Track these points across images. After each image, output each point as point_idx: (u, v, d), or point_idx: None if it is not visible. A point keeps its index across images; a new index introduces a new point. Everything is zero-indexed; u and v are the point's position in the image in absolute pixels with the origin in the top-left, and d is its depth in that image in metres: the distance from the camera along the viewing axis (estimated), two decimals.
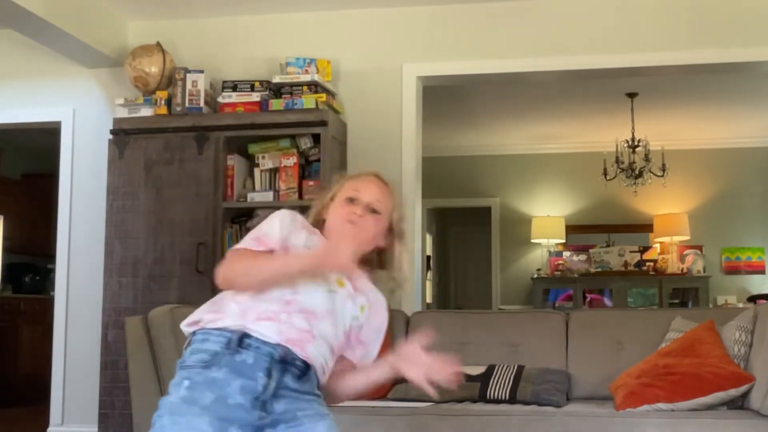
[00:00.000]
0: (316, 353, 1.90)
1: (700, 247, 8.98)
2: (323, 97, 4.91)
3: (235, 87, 5.01)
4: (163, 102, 5.03)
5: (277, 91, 5.00)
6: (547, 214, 9.38)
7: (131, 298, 4.84)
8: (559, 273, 9.07)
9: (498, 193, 9.62)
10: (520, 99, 7.67)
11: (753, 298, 8.07)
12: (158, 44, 5.17)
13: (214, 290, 2.02)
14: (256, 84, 4.99)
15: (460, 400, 3.71)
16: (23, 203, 8.87)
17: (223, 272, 1.94)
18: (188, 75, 5.04)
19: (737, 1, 4.99)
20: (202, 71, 5.05)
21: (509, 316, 4.78)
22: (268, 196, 4.87)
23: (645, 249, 9.08)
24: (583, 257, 9.14)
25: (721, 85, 7.13)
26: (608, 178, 7.92)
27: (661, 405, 3.32)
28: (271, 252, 1.97)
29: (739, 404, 3.37)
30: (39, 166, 8.85)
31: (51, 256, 5.90)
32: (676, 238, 8.92)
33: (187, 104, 5.00)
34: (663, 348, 3.65)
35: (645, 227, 9.18)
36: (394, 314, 4.14)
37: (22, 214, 8.80)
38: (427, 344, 2.04)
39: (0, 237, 8.52)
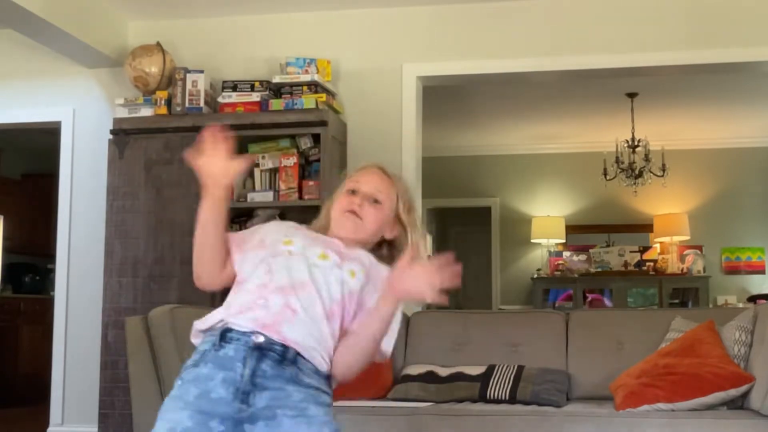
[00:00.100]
0: (298, 333, 1.84)
1: (700, 247, 8.98)
2: (323, 97, 4.91)
3: (235, 87, 5.01)
4: (163, 102, 5.03)
5: (277, 91, 5.01)
6: (547, 214, 9.38)
7: (131, 298, 4.84)
8: (559, 273, 9.07)
9: (498, 193, 9.62)
10: (520, 99, 7.67)
11: (753, 298, 8.07)
12: (158, 44, 5.17)
13: (213, 291, 2.02)
14: (256, 84, 4.99)
15: (460, 400, 3.71)
16: (23, 203, 8.87)
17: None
18: (188, 75, 5.04)
19: (737, 1, 4.99)
20: (202, 71, 5.05)
21: (509, 316, 4.78)
22: (268, 196, 4.87)
23: (645, 249, 9.08)
24: (583, 257, 9.14)
25: (721, 85, 7.13)
26: (608, 178, 7.93)
27: (661, 405, 3.32)
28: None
29: (739, 404, 3.37)
30: (39, 166, 8.85)
31: (51, 256, 5.90)
32: (676, 238, 8.92)
33: (187, 104, 5.00)
34: (663, 348, 3.65)
35: (645, 227, 9.18)
36: None
37: (22, 214, 8.81)
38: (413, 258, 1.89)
39: (0, 237, 8.52)
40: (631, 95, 7.41)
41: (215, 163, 1.91)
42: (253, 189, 4.93)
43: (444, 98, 7.17)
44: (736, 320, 3.61)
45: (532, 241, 9.37)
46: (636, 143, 7.74)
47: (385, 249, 2.10)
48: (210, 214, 1.94)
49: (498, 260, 9.57)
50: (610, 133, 8.04)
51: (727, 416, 3.26)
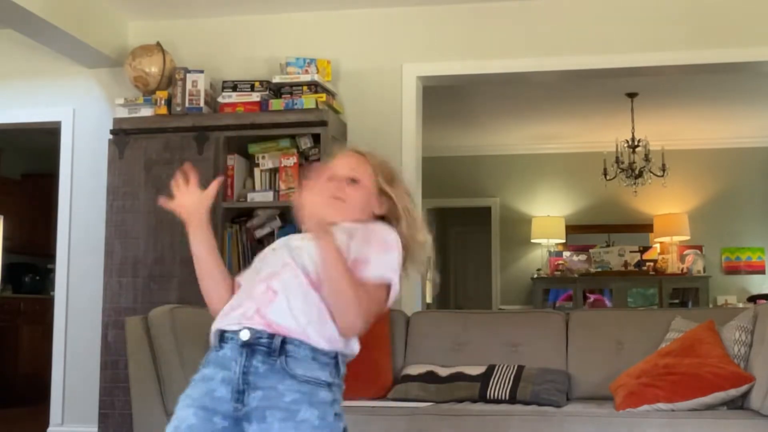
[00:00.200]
0: (283, 313, 1.84)
1: (700, 247, 8.98)
2: (323, 97, 4.91)
3: (235, 87, 5.01)
4: (163, 102, 5.03)
5: (277, 91, 5.01)
6: (547, 214, 9.38)
7: (131, 298, 4.84)
8: (559, 273, 9.07)
9: (498, 193, 9.62)
10: (520, 99, 7.67)
11: (753, 298, 8.07)
12: (158, 44, 5.17)
13: None
14: (256, 84, 4.99)
15: (460, 400, 3.72)
16: (23, 203, 8.87)
17: None
18: (188, 75, 5.04)
19: (737, 1, 4.99)
20: (202, 71, 5.05)
21: (509, 316, 4.78)
22: (268, 196, 4.87)
23: (645, 249, 9.08)
24: (583, 257, 9.14)
25: (721, 85, 7.13)
26: (608, 178, 7.93)
27: (661, 405, 3.32)
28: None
29: (739, 404, 3.37)
30: (39, 166, 8.85)
31: (51, 256, 5.90)
32: (676, 238, 8.92)
33: (187, 104, 5.00)
34: (663, 348, 3.65)
35: (645, 227, 9.18)
36: (394, 314, 4.16)
37: (22, 214, 8.81)
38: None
39: (0, 237, 8.52)
40: (631, 95, 7.41)
41: (187, 199, 2.08)
42: (253, 189, 4.93)
43: (444, 98, 7.17)
44: (736, 320, 3.61)
45: (532, 241, 9.38)
46: (636, 143, 7.74)
47: None
48: (198, 246, 2.06)
49: (498, 260, 9.57)
50: (610, 133, 8.04)
51: (727, 416, 3.26)
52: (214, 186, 2.09)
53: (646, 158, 7.80)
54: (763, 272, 8.96)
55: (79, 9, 5.02)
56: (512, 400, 3.65)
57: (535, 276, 9.19)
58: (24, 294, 8.66)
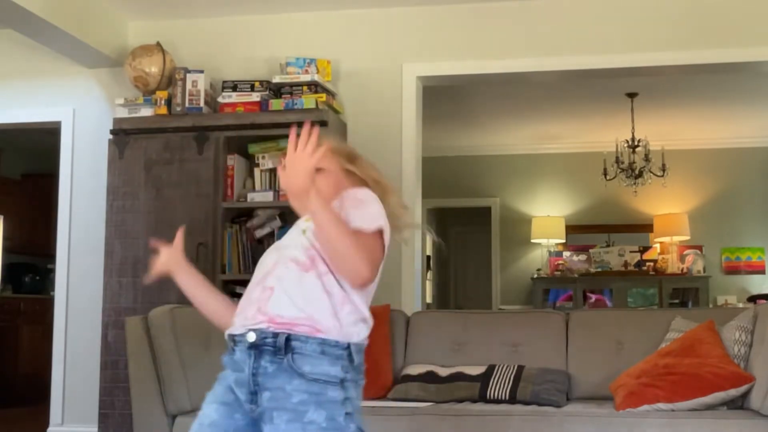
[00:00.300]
0: (282, 305, 1.87)
1: (700, 247, 8.98)
2: (323, 97, 4.91)
3: (235, 87, 5.01)
4: (163, 102, 5.03)
5: (277, 91, 5.01)
6: (547, 214, 9.38)
7: (131, 298, 4.84)
8: (559, 273, 9.07)
9: (498, 193, 9.62)
10: (520, 99, 7.67)
11: (753, 298, 8.07)
12: (158, 44, 5.17)
13: None
14: (256, 84, 4.99)
15: (460, 400, 3.71)
16: (23, 203, 8.87)
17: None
18: (188, 75, 5.04)
19: (737, 1, 4.99)
20: (202, 71, 5.05)
21: (509, 316, 4.77)
22: (268, 196, 4.87)
23: (645, 249, 9.08)
24: (583, 257, 9.14)
25: (721, 85, 7.13)
26: (608, 178, 7.93)
27: (661, 405, 3.32)
28: None
29: (739, 404, 3.37)
30: (39, 166, 8.85)
31: (51, 256, 5.90)
32: (676, 238, 8.92)
33: (187, 104, 5.00)
34: (663, 348, 3.65)
35: (645, 227, 9.18)
36: (394, 314, 4.16)
37: (22, 214, 8.81)
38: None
39: (0, 237, 8.52)
40: (631, 95, 7.41)
41: (161, 258, 2.24)
42: (253, 189, 4.93)
43: (444, 98, 7.17)
44: (736, 320, 3.61)
45: (532, 241, 9.38)
46: (636, 143, 7.74)
47: None
48: (187, 288, 2.19)
49: (498, 260, 9.57)
50: (610, 133, 8.05)
51: (727, 416, 3.25)
52: (180, 233, 2.27)
53: (646, 158, 7.80)
54: (763, 272, 8.96)
55: (79, 9, 5.02)
56: (512, 400, 3.65)
57: (535, 276, 9.19)
58: (24, 294, 8.66)
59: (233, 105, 4.98)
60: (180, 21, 5.49)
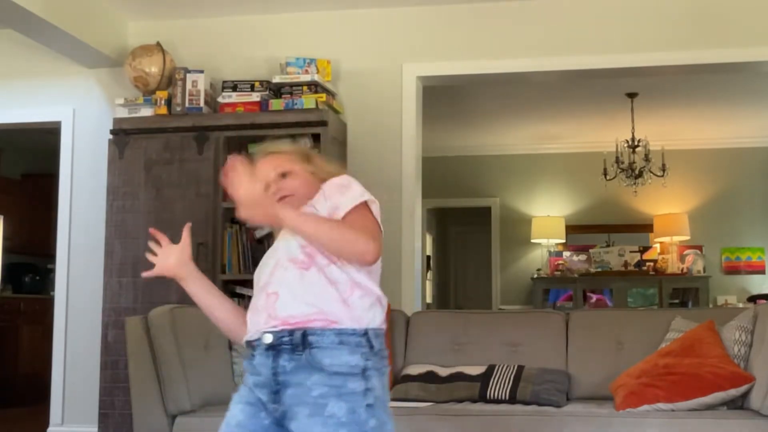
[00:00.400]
0: (290, 306, 1.88)
1: (700, 247, 8.98)
2: (323, 97, 4.91)
3: (235, 87, 5.01)
4: (163, 102, 5.03)
5: (277, 91, 5.01)
6: (547, 214, 9.38)
7: (131, 298, 4.84)
8: (559, 273, 9.07)
9: (498, 193, 9.62)
10: (520, 99, 7.67)
11: (753, 298, 8.07)
12: (158, 44, 5.17)
13: None
14: (256, 84, 4.99)
15: (460, 400, 3.71)
16: (23, 203, 8.87)
17: None
18: (188, 75, 5.04)
19: (737, 1, 4.99)
20: (202, 71, 5.05)
21: (509, 316, 4.78)
22: None
23: (645, 249, 9.08)
24: (583, 257, 9.14)
25: (721, 85, 7.13)
26: (608, 178, 7.93)
27: (661, 405, 3.32)
28: None
29: (739, 404, 3.37)
30: (39, 166, 8.85)
31: (51, 256, 5.90)
32: (676, 238, 8.92)
33: (187, 104, 5.00)
34: (663, 348, 3.65)
35: (645, 227, 9.18)
36: (394, 314, 4.16)
37: (22, 214, 8.80)
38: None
39: (0, 237, 8.52)
40: (631, 95, 7.41)
41: (168, 260, 2.14)
42: None
43: (444, 98, 7.17)
44: (736, 320, 3.61)
45: (532, 241, 9.38)
46: (636, 143, 7.74)
47: None
48: (197, 295, 2.13)
49: (498, 260, 9.57)
50: (610, 133, 8.04)
51: (727, 416, 3.26)
52: (186, 233, 2.16)
53: (646, 158, 7.80)
54: (763, 272, 8.96)
55: (79, 9, 5.02)
56: (512, 400, 3.65)
57: (535, 276, 9.19)
58: (24, 294, 8.66)
59: (233, 105, 4.98)
60: (180, 21, 5.49)
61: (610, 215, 9.24)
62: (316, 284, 1.89)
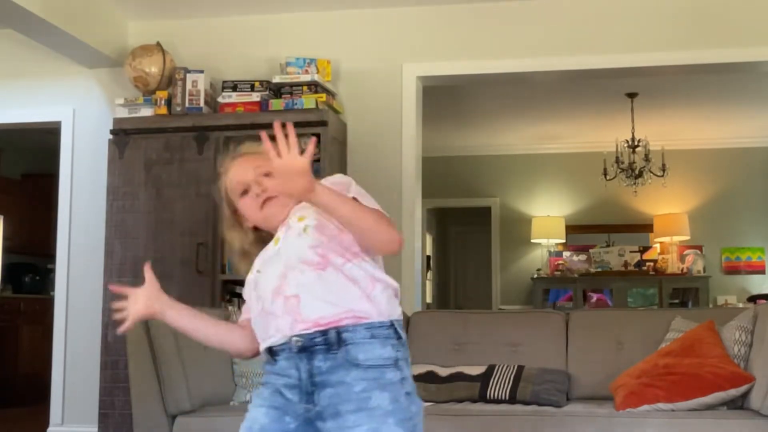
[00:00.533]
0: (316, 307, 1.85)
1: (700, 247, 8.98)
2: (323, 97, 4.91)
3: (235, 87, 5.01)
4: (163, 102, 5.03)
5: (277, 91, 5.01)
6: (547, 214, 9.38)
7: None
8: (559, 273, 9.07)
9: (498, 193, 9.62)
10: (520, 99, 7.67)
11: (753, 298, 8.07)
12: (158, 44, 5.17)
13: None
14: (256, 84, 4.99)
15: (460, 400, 3.71)
16: (23, 203, 8.87)
17: None
18: (188, 75, 5.04)
19: (737, 1, 4.99)
20: (202, 71, 5.05)
21: (509, 316, 4.78)
22: None
23: (645, 249, 9.08)
24: (583, 257, 9.14)
25: (721, 85, 7.13)
26: (608, 178, 7.93)
27: (661, 405, 3.32)
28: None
29: (739, 404, 3.37)
30: (39, 166, 8.84)
31: (51, 256, 5.90)
32: (676, 238, 8.92)
33: (187, 104, 5.00)
34: (663, 348, 3.65)
35: (645, 227, 9.18)
36: None
37: (22, 214, 8.80)
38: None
39: (0, 237, 8.52)
40: (631, 95, 7.41)
41: (136, 303, 2.02)
42: None
43: (444, 98, 7.17)
44: (736, 320, 3.61)
45: (532, 241, 9.37)
46: (636, 143, 7.74)
47: None
48: (181, 325, 2.07)
49: (498, 260, 9.57)
50: (610, 133, 8.04)
51: (727, 416, 3.26)
52: (148, 269, 2.06)
53: (646, 158, 7.80)
54: (763, 272, 8.96)
55: (79, 9, 5.02)
56: (512, 400, 3.65)
57: (535, 276, 9.19)
58: (24, 294, 8.66)
59: (233, 105, 4.98)
60: (180, 21, 5.49)
61: (610, 215, 9.24)
62: (335, 283, 1.87)
